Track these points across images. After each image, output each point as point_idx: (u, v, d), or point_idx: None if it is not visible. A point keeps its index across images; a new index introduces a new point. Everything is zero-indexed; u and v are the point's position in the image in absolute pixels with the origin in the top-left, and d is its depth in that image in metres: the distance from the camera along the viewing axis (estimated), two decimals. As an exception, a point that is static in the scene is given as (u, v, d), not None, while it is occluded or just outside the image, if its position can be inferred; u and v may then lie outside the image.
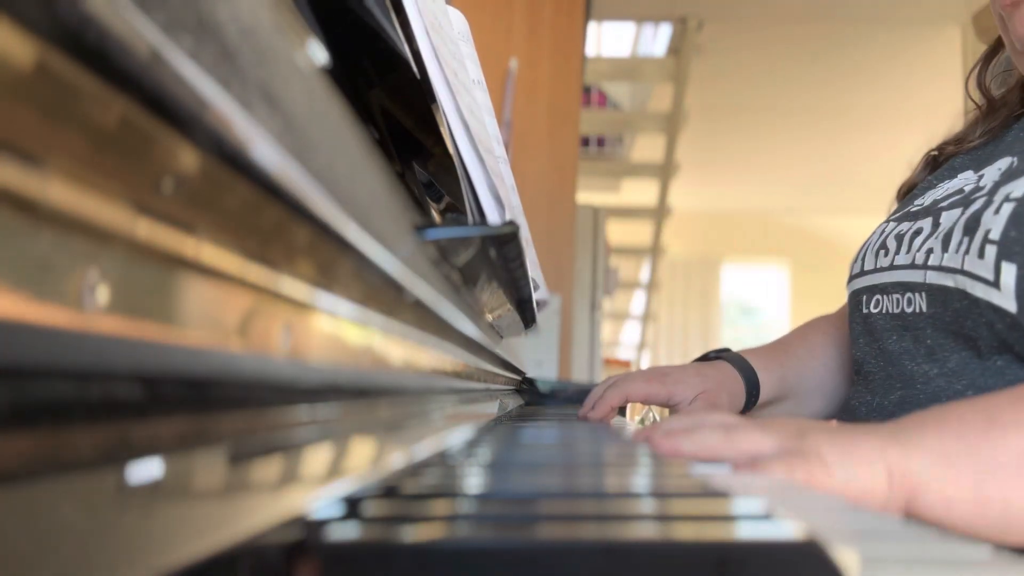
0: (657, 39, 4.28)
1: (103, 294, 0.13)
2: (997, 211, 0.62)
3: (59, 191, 0.12)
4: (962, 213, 0.68)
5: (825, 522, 0.31)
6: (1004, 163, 0.70)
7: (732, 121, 5.05)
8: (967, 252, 0.64)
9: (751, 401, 0.95)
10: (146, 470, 0.15)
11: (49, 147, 0.12)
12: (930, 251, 0.69)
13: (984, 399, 0.50)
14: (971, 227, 0.65)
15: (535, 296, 0.79)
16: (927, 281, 0.69)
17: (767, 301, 7.54)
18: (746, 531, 0.25)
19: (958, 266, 0.65)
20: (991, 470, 0.46)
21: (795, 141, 5.31)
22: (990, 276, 0.62)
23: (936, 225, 0.70)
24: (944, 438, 0.47)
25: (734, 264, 7.44)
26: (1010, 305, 0.61)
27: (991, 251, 0.61)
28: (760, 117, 4.96)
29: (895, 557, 0.24)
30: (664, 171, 4.66)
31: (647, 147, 4.94)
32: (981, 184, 0.70)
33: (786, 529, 0.23)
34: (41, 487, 0.12)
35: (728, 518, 0.28)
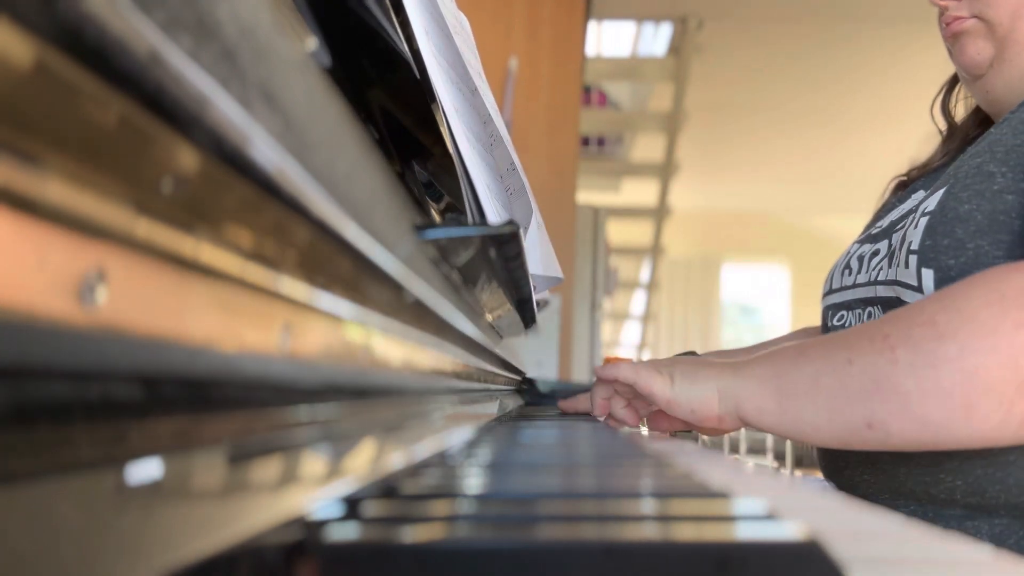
0: (657, 38, 4.28)
1: (102, 293, 0.13)
2: (916, 225, 0.72)
3: (57, 190, 0.12)
4: (904, 232, 0.76)
5: (825, 522, 0.31)
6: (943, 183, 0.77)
7: (732, 121, 5.05)
8: (898, 264, 0.73)
9: None
10: (146, 470, 0.15)
11: (48, 146, 0.12)
12: (880, 268, 0.78)
13: (813, 340, 0.65)
14: (902, 243, 0.74)
15: (557, 273, 0.81)
16: (878, 295, 0.78)
17: (767, 301, 7.54)
18: (746, 531, 0.24)
19: (894, 278, 0.74)
20: (788, 390, 0.63)
21: (795, 141, 5.31)
22: (915, 282, 0.70)
23: (890, 246, 0.79)
24: (764, 367, 0.65)
25: (734, 264, 7.44)
26: None
27: (913, 260, 0.71)
28: (760, 117, 4.96)
29: (895, 557, 0.24)
30: (664, 171, 4.66)
31: (647, 147, 4.94)
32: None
33: (787, 529, 0.23)
34: (41, 487, 0.12)
35: (728, 518, 0.27)
